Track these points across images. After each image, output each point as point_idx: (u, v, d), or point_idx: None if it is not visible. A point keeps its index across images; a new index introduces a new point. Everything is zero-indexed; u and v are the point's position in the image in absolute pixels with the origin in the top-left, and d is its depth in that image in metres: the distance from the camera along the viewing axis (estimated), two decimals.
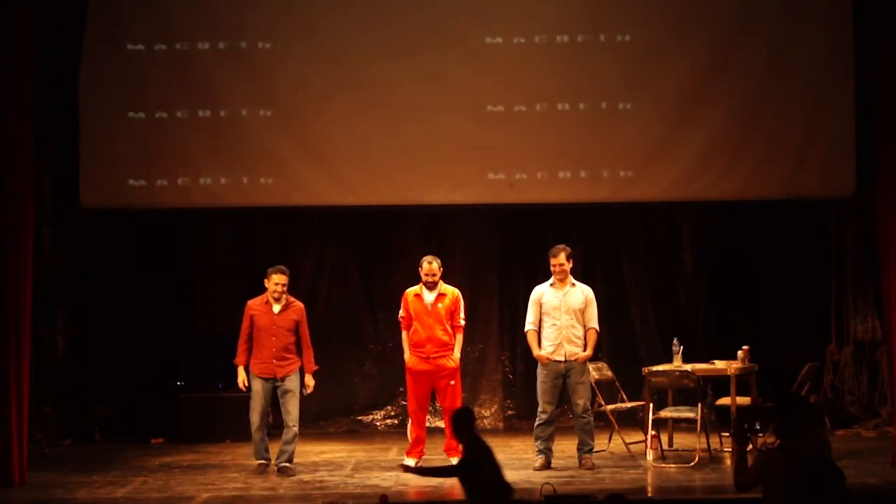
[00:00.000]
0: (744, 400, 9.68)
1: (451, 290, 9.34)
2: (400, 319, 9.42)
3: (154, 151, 10.63)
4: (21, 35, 8.99)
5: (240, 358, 9.21)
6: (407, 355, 9.31)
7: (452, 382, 9.23)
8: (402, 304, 9.39)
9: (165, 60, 10.60)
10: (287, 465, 9.14)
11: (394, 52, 10.60)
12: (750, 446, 5.93)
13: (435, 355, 9.21)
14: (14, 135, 8.92)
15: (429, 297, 9.27)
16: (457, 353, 9.30)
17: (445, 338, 9.24)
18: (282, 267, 9.27)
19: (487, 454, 6.71)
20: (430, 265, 9.29)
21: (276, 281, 9.18)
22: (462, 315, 9.35)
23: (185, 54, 10.60)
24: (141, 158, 10.63)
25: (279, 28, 10.62)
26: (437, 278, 9.28)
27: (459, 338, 9.33)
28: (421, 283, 9.33)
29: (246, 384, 9.17)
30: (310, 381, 9.25)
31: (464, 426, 6.78)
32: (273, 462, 9.22)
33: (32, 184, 9.17)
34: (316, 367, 9.28)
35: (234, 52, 10.62)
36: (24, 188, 8.99)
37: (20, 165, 8.95)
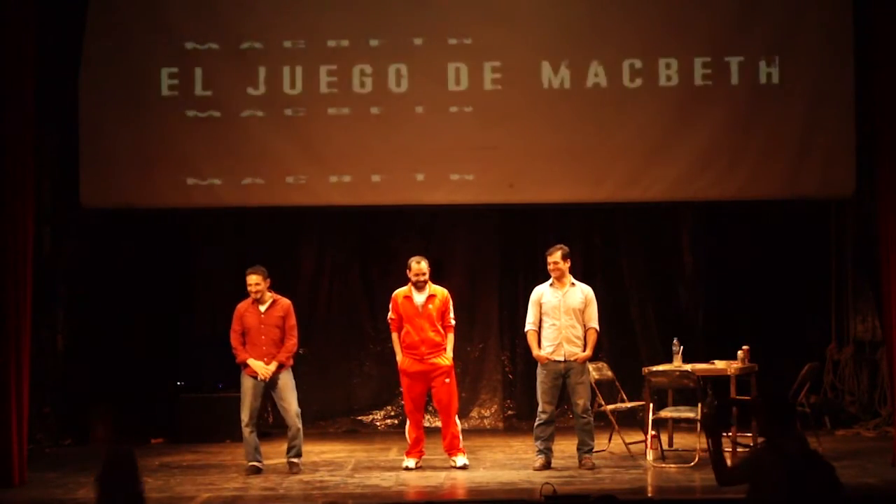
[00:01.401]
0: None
1: (441, 291, 9.31)
2: (389, 321, 9.37)
3: (154, 151, 10.64)
4: (21, 35, 8.98)
5: (242, 355, 9.18)
6: (399, 357, 9.29)
7: (447, 380, 9.22)
8: (391, 307, 9.34)
9: (166, 60, 10.60)
10: (295, 460, 9.17)
11: (393, 52, 10.61)
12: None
13: (428, 356, 9.20)
14: (14, 135, 8.92)
15: (419, 298, 9.23)
16: (450, 352, 9.27)
17: (437, 338, 9.21)
18: (256, 267, 9.23)
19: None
20: (419, 265, 9.24)
21: (249, 282, 9.19)
22: (452, 315, 9.31)
23: (186, 54, 10.61)
24: (141, 158, 10.63)
25: (279, 28, 10.62)
26: (426, 278, 9.24)
27: (451, 337, 9.30)
28: (410, 285, 9.29)
29: (270, 372, 9.09)
30: (271, 367, 9.07)
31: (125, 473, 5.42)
32: (268, 464, 9.26)
33: (32, 184, 9.17)
34: (286, 362, 9.15)
35: (234, 52, 10.63)
36: (24, 188, 8.98)
37: (20, 166, 8.94)
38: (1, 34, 8.92)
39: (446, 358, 9.23)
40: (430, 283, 9.28)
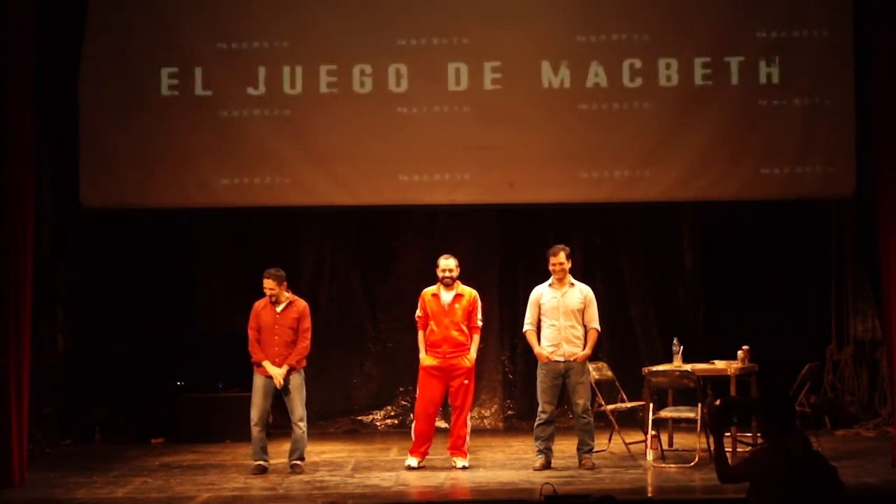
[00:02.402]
0: None
1: (469, 291, 9.35)
2: (417, 319, 9.40)
3: (154, 151, 10.64)
4: (21, 35, 8.98)
5: (258, 355, 9.17)
6: (423, 355, 9.31)
7: (466, 381, 9.23)
8: (419, 304, 9.38)
9: (166, 60, 10.60)
10: (298, 462, 9.16)
11: (393, 52, 10.61)
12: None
13: (450, 355, 9.22)
14: (14, 135, 8.91)
15: (446, 297, 9.27)
16: (473, 353, 9.30)
17: (461, 338, 9.24)
18: (271, 271, 9.23)
19: None
20: (447, 261, 9.31)
21: (264, 285, 9.21)
22: (479, 316, 9.34)
23: (186, 54, 10.60)
24: (141, 158, 10.63)
25: (279, 28, 10.62)
26: (454, 275, 9.28)
27: (476, 338, 9.34)
28: (438, 283, 9.33)
29: (284, 377, 9.08)
30: (282, 370, 9.07)
31: None
32: (270, 463, 9.24)
33: (32, 184, 9.17)
34: (296, 365, 9.13)
35: (235, 53, 10.63)
36: (24, 188, 8.98)
37: (20, 165, 8.94)
38: (1, 34, 8.91)
39: (468, 359, 9.25)
40: (458, 282, 9.31)
